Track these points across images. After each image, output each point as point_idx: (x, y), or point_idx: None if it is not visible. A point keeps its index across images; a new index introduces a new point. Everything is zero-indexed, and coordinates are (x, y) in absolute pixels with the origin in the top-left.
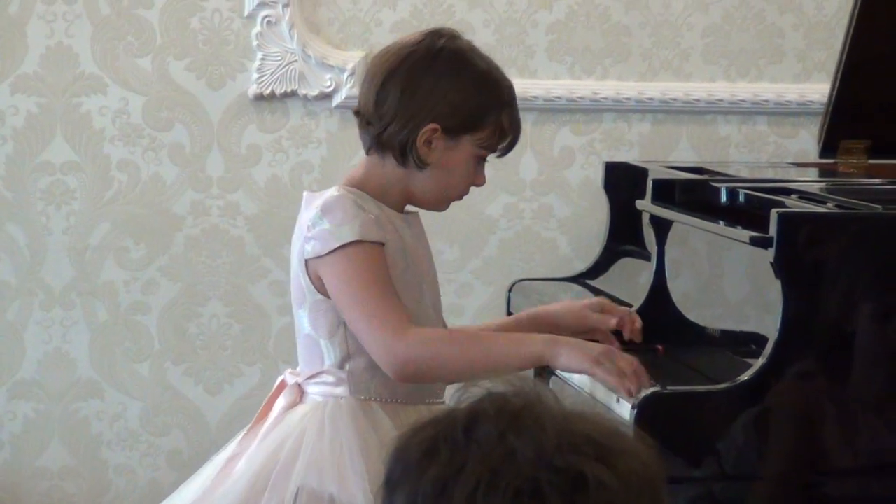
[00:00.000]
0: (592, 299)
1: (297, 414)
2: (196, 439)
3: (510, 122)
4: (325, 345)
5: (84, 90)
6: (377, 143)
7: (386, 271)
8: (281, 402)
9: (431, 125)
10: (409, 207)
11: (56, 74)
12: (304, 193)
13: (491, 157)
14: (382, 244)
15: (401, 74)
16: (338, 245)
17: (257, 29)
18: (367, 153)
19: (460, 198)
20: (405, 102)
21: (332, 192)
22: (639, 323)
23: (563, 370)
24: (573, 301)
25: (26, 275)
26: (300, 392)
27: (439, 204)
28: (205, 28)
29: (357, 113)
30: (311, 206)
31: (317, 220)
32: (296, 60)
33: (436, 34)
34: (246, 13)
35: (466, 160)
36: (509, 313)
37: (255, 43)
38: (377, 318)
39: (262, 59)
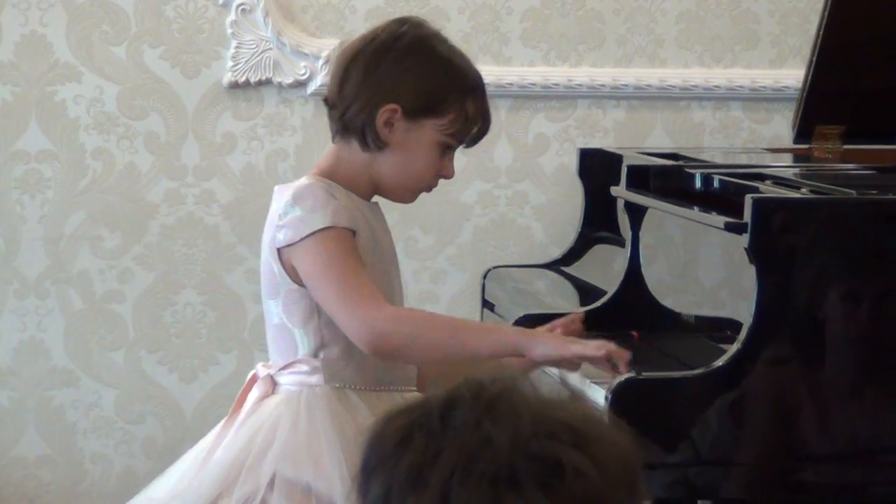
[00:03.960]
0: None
1: (272, 403)
2: (171, 427)
3: (475, 110)
4: (299, 334)
5: (59, 79)
6: (341, 126)
7: (358, 256)
8: (254, 394)
9: (391, 105)
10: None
11: (30, 63)
12: (275, 187)
13: (461, 148)
14: (354, 231)
15: (362, 57)
16: (310, 232)
17: (232, 17)
18: (333, 140)
19: (428, 189)
20: (365, 83)
21: (303, 181)
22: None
23: (540, 359)
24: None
25: (0, 264)
26: (272, 384)
27: (405, 193)
28: (179, 16)
29: (326, 101)
30: (281, 196)
31: (288, 208)
32: (270, 48)
33: (401, 21)
34: (220, 1)
35: (429, 146)
36: (484, 300)
37: (229, 31)
38: (353, 295)
39: (237, 47)
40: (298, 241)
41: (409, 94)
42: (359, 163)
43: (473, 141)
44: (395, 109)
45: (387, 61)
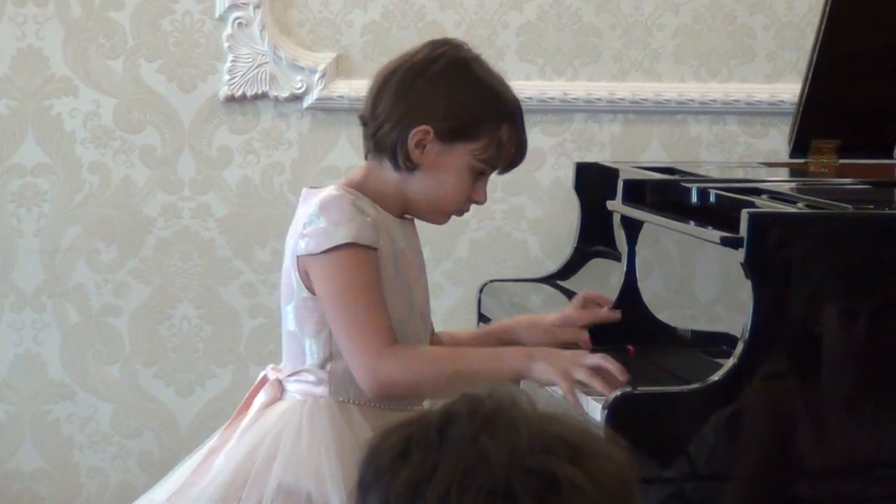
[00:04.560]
0: (558, 316)
1: (276, 411)
2: (167, 441)
3: (510, 137)
4: (309, 343)
5: (55, 92)
6: (373, 145)
7: (376, 279)
8: (261, 398)
9: (423, 127)
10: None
11: (27, 77)
12: (304, 190)
13: (495, 174)
14: (376, 249)
15: (397, 77)
16: (331, 245)
17: (228, 31)
18: (366, 157)
19: (459, 212)
20: (398, 102)
21: (331, 190)
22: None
23: (537, 382)
24: (539, 318)
25: None
26: (280, 388)
27: (436, 215)
28: (176, 30)
29: (360, 118)
30: (308, 203)
31: (313, 218)
32: (266, 62)
33: (439, 43)
34: (217, 15)
35: (460, 169)
36: (480, 314)
37: (225, 45)
38: (360, 335)
39: (233, 60)
40: (319, 254)
41: (443, 116)
42: (390, 181)
43: (508, 167)
44: (427, 131)
45: (421, 82)
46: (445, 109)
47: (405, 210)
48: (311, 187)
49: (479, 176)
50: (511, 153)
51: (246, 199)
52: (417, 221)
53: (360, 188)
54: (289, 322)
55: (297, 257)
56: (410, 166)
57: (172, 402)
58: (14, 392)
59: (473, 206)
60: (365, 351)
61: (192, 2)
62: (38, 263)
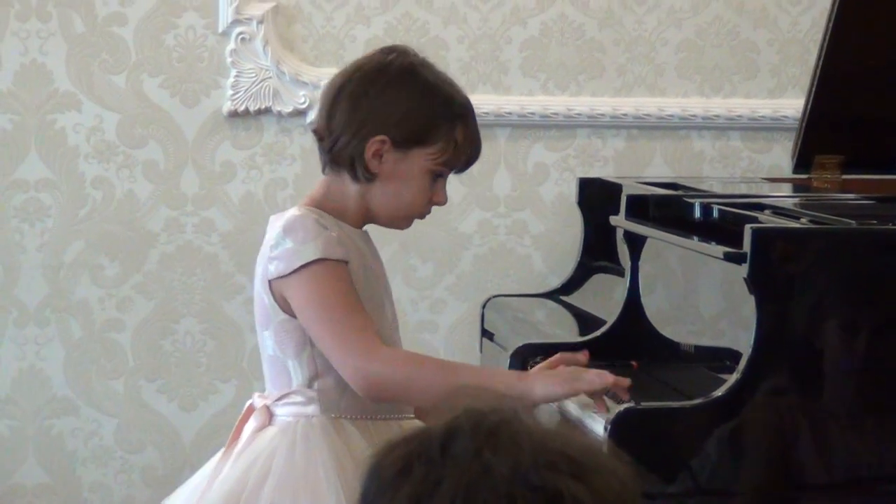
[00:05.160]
0: (542, 366)
1: (268, 435)
2: (170, 456)
3: (464, 137)
4: (293, 365)
5: (58, 107)
6: (330, 158)
7: (352, 288)
8: (251, 425)
9: (379, 137)
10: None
11: (30, 92)
12: (271, 217)
13: (453, 174)
14: (346, 262)
15: (348, 89)
16: (301, 264)
17: (231, 46)
18: (324, 171)
19: (421, 216)
20: (352, 115)
21: (294, 211)
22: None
23: (542, 401)
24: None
25: (0, 292)
26: (269, 414)
27: (398, 221)
28: (179, 45)
29: (315, 132)
30: (274, 227)
31: (279, 240)
32: (270, 77)
33: (387, 50)
34: (220, 30)
35: (419, 174)
36: (483, 329)
37: (229, 60)
38: (346, 338)
39: (237, 75)
40: (290, 274)
41: (397, 124)
42: (350, 193)
43: (465, 166)
44: (383, 141)
45: (373, 92)
46: (399, 117)
47: (367, 220)
48: (276, 213)
49: (437, 178)
50: (467, 153)
51: (249, 214)
52: (398, 232)
53: (321, 205)
54: (268, 347)
55: (269, 281)
56: (369, 177)
57: (175, 416)
58: (17, 407)
59: (477, 220)
60: (354, 354)
61: (195, 17)
62: (42, 278)
